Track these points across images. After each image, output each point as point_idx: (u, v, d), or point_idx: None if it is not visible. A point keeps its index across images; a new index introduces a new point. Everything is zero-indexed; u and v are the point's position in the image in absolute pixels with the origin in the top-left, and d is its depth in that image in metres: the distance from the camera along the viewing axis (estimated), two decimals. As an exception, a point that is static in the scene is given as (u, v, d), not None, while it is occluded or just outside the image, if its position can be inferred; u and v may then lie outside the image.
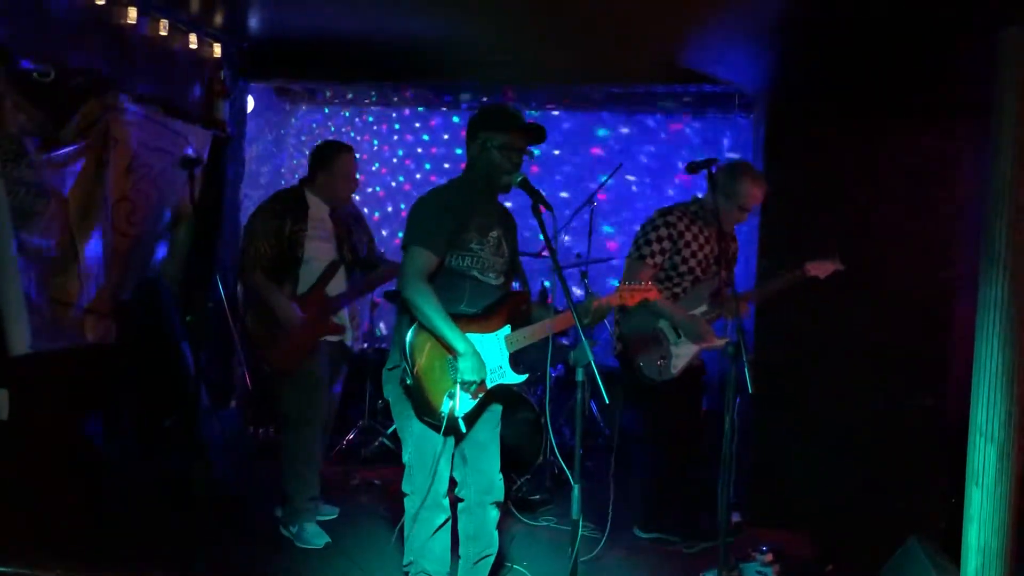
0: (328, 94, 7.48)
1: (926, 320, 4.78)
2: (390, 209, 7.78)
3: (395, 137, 7.78)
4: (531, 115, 6.97)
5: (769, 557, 3.98)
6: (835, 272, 4.20)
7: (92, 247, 4.52)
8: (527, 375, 3.23)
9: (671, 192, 7.23)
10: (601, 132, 7.38)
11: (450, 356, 3.06)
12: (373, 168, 7.78)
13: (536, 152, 3.23)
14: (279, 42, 5.66)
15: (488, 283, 3.18)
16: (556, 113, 7.35)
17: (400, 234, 7.52)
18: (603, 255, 6.74)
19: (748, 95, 5.90)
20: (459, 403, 3.03)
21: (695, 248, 4.23)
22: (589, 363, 2.75)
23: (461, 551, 3.31)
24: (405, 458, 3.19)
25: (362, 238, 4.54)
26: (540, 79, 6.05)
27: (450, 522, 3.22)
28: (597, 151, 7.37)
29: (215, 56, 5.48)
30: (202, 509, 3.42)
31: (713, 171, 3.44)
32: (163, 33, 4.99)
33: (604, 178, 6.18)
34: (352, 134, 7.81)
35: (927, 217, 4.82)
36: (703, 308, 4.21)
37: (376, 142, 7.79)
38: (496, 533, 3.32)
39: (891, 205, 4.87)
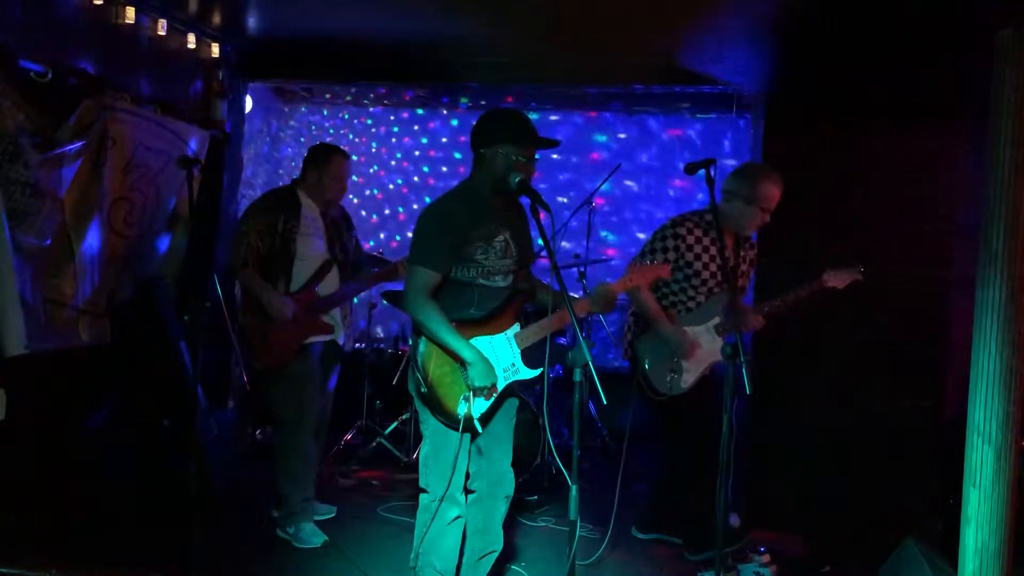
0: (327, 96, 7.47)
1: (923, 322, 4.78)
2: (388, 212, 7.77)
3: (393, 140, 7.77)
4: (530, 116, 6.96)
5: (766, 558, 3.98)
6: (854, 282, 4.12)
7: (88, 247, 4.51)
8: (541, 369, 3.26)
9: (671, 193, 7.23)
10: (602, 133, 7.38)
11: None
12: (371, 170, 7.77)
13: (536, 157, 3.24)
14: (277, 42, 5.65)
15: (495, 287, 3.22)
16: (554, 118, 7.35)
17: (398, 236, 7.55)
18: (601, 257, 6.74)
19: (747, 96, 5.91)
20: (474, 406, 3.09)
21: (707, 260, 4.16)
22: (587, 364, 2.76)
23: (467, 545, 3.34)
24: (422, 453, 3.24)
25: (350, 240, 4.55)
26: (539, 80, 6.05)
27: (462, 520, 3.25)
28: (597, 153, 7.37)
29: (213, 56, 5.47)
30: (199, 510, 3.42)
31: (711, 172, 3.42)
32: (161, 33, 4.99)
33: (603, 179, 6.19)
34: (351, 135, 7.80)
35: (924, 218, 4.82)
36: (716, 320, 4.14)
37: (375, 144, 7.79)
38: (502, 532, 3.36)
39: (888, 206, 4.87)
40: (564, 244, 7.05)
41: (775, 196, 4.14)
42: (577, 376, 2.79)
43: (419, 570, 3.22)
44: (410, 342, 3.28)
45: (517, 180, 3.05)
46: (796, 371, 4.91)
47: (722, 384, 4.15)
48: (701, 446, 4.20)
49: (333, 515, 4.59)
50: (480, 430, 3.15)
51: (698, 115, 7.17)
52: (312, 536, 4.19)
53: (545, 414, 3.52)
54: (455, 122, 7.63)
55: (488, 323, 3.20)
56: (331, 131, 7.76)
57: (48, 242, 4.25)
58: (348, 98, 7.49)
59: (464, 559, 3.34)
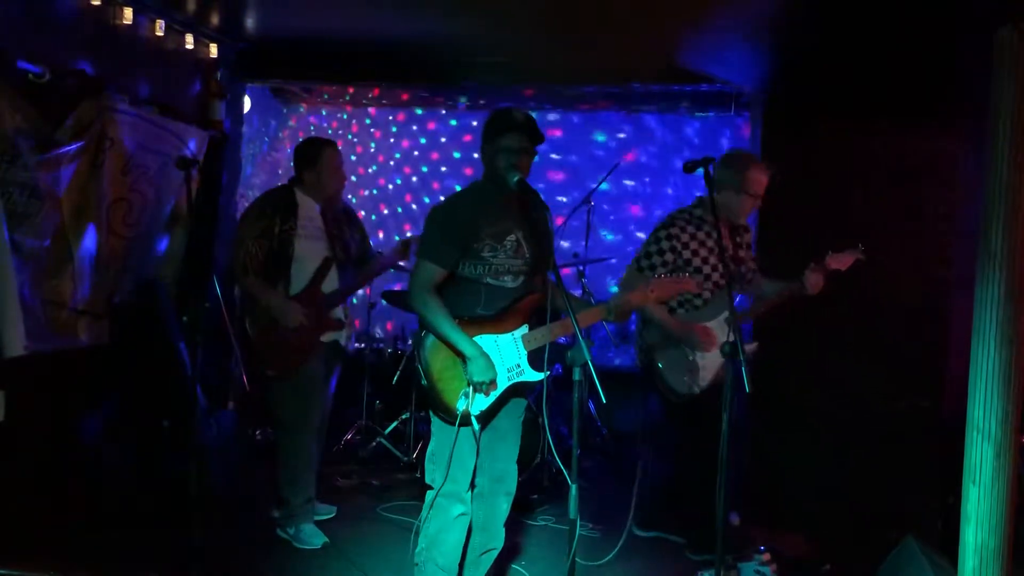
0: (326, 96, 7.47)
1: (923, 320, 4.78)
2: (386, 212, 7.77)
3: (391, 140, 7.77)
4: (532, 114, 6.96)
5: (767, 557, 3.98)
6: (857, 262, 4.13)
7: (87, 248, 4.51)
8: (547, 373, 3.25)
9: (670, 191, 7.24)
10: (600, 132, 7.38)
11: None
12: (371, 171, 7.78)
13: (534, 152, 3.24)
14: (276, 42, 5.66)
15: (504, 286, 3.21)
16: (553, 117, 7.35)
17: (396, 236, 7.56)
18: (601, 255, 6.74)
19: (746, 95, 5.91)
20: (473, 402, 3.10)
21: (705, 254, 4.17)
22: (586, 362, 2.75)
23: (468, 541, 3.35)
24: (429, 449, 3.26)
25: (355, 236, 4.51)
26: (538, 80, 6.06)
27: (467, 517, 3.26)
28: (596, 152, 7.38)
29: (211, 56, 5.48)
30: (199, 510, 3.42)
31: (710, 170, 3.43)
32: (159, 34, 4.99)
33: (602, 178, 6.19)
34: (349, 136, 7.80)
35: (923, 217, 4.83)
36: (727, 315, 4.09)
37: (373, 145, 7.79)
38: (503, 529, 3.37)
39: (888, 205, 4.87)
40: (563, 244, 7.05)
41: (763, 182, 4.16)
42: (576, 375, 2.79)
43: (422, 565, 3.22)
44: (412, 339, 3.28)
45: (516, 180, 3.06)
46: (797, 369, 4.91)
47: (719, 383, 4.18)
48: (714, 448, 4.21)
49: (333, 515, 4.59)
50: (476, 427, 3.13)
51: (697, 114, 7.18)
52: (312, 537, 4.19)
53: (545, 413, 3.51)
54: (453, 122, 7.63)
55: (495, 322, 3.19)
56: (329, 131, 7.77)
57: (47, 243, 4.25)
58: (346, 98, 7.49)
59: (466, 556, 3.35)
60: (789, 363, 4.91)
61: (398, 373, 5.86)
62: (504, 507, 3.35)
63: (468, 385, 3.09)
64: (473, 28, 5.03)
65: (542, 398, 3.17)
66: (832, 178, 4.94)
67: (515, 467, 3.36)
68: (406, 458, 5.51)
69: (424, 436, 5.04)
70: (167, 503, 4.20)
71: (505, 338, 3.21)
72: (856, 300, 4.78)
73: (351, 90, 7.20)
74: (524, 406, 3.41)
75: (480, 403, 3.13)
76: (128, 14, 4.71)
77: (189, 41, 5.23)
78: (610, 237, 7.35)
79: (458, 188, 5.32)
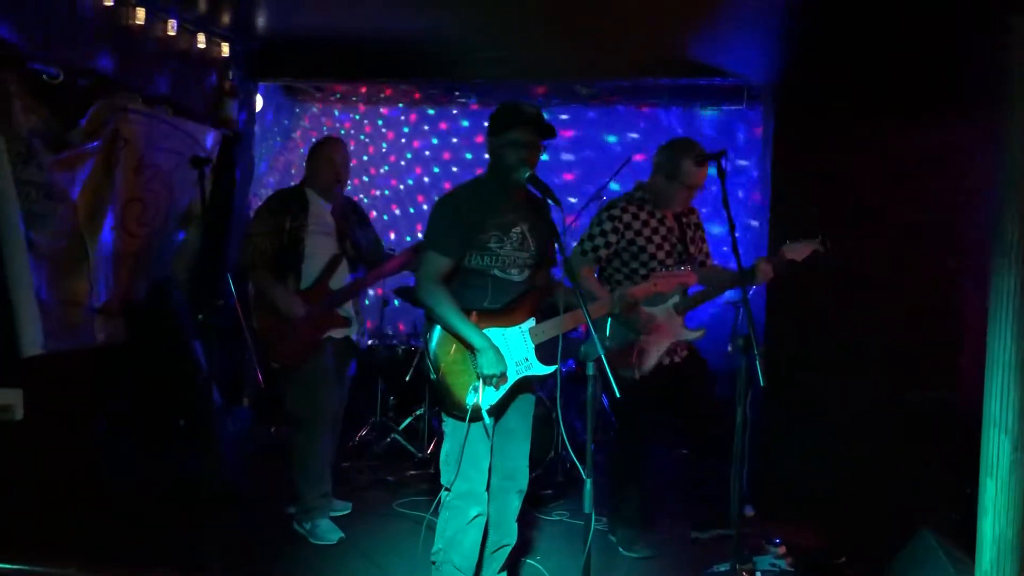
0: (338, 95, 7.47)
1: (938, 312, 4.76)
2: (398, 212, 7.77)
3: (403, 140, 7.77)
4: (543, 111, 6.95)
5: (782, 549, 3.97)
6: (814, 253, 3.97)
7: (102, 248, 4.53)
8: (555, 367, 3.24)
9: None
10: (613, 128, 7.36)
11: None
12: (383, 171, 7.78)
13: (545, 156, 3.23)
14: (288, 41, 5.67)
15: (510, 279, 3.21)
16: (564, 117, 7.33)
17: (408, 238, 7.56)
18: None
19: (757, 87, 5.89)
20: (483, 396, 3.09)
21: (648, 233, 4.08)
22: (599, 357, 2.74)
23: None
24: (443, 450, 3.24)
25: (366, 234, 4.54)
26: (550, 76, 6.05)
27: (483, 518, 3.24)
28: (608, 148, 7.35)
29: (224, 55, 5.49)
30: (215, 506, 3.44)
31: (723, 163, 3.41)
32: (171, 33, 5.01)
33: (614, 172, 6.17)
34: (362, 137, 7.81)
35: (938, 208, 4.80)
36: (675, 300, 4.05)
37: (385, 145, 7.79)
38: (516, 525, 3.36)
39: (901, 196, 4.85)
40: (573, 243, 7.02)
41: (697, 174, 4.02)
42: (590, 370, 2.78)
43: (439, 565, 3.22)
44: (423, 330, 3.27)
45: (527, 175, 3.05)
46: (811, 363, 4.89)
47: (679, 380, 4.13)
48: (646, 438, 4.23)
49: (349, 511, 4.61)
50: (487, 421, 3.13)
51: (709, 108, 7.14)
52: (328, 532, 4.21)
53: (559, 408, 3.52)
54: (465, 123, 7.62)
55: (502, 315, 3.19)
56: (342, 131, 7.77)
57: (63, 243, 4.28)
58: (355, 98, 7.50)
59: (481, 553, 3.35)
60: (803, 356, 4.90)
61: (412, 369, 5.87)
62: (516, 504, 3.34)
63: (478, 379, 3.08)
64: (484, 24, 5.03)
65: (555, 393, 3.17)
66: (843, 170, 4.92)
67: (527, 464, 3.34)
68: (420, 454, 5.53)
69: (438, 432, 5.06)
70: (183, 500, 4.23)
71: (513, 331, 3.20)
72: (870, 291, 4.76)
73: (363, 89, 7.20)
74: (533, 402, 3.39)
75: (489, 397, 3.12)
76: (141, 14, 4.73)
77: (201, 40, 5.25)
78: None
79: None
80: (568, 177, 7.32)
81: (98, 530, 4.08)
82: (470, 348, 3.09)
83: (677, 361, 4.17)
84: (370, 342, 6.23)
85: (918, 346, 4.76)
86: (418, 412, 5.75)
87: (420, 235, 6.83)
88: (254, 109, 6.13)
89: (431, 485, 4.31)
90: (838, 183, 4.93)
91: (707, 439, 4.24)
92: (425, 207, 7.66)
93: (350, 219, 4.47)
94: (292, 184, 4.73)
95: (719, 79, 5.59)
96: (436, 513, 3.26)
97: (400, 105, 7.68)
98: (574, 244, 4.21)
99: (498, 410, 3.19)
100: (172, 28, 4.99)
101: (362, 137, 7.80)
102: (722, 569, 3.86)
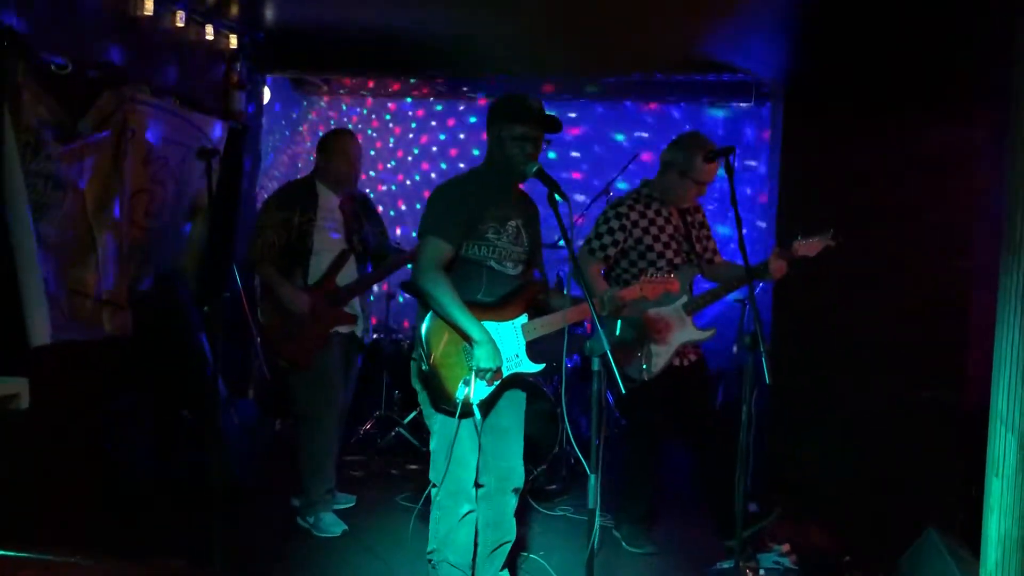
0: (345, 88, 7.47)
1: (945, 310, 4.74)
2: (404, 208, 7.77)
3: (410, 135, 7.77)
4: (551, 107, 6.93)
5: (786, 548, 3.97)
6: (826, 249, 3.89)
7: (109, 239, 4.54)
8: (544, 364, 3.22)
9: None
10: (622, 124, 7.34)
11: (465, 344, 3.07)
12: (390, 166, 7.78)
13: (552, 154, 3.22)
14: (296, 33, 5.66)
15: (505, 272, 3.19)
16: (572, 115, 7.31)
17: (414, 233, 7.53)
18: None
19: (767, 84, 5.87)
20: (474, 390, 3.04)
21: (656, 231, 4.06)
22: (605, 353, 2.73)
23: (479, 538, 3.32)
24: (431, 447, 3.21)
25: (374, 229, 4.53)
26: (559, 72, 6.03)
27: (475, 515, 3.22)
28: (617, 144, 7.33)
29: (231, 47, 5.49)
30: (220, 499, 3.45)
31: (731, 160, 3.40)
32: (180, 25, 5.00)
33: (622, 168, 6.17)
34: (370, 131, 7.81)
35: (946, 206, 4.78)
36: (683, 299, 4.01)
37: (392, 140, 7.79)
38: (514, 521, 3.34)
39: (910, 194, 4.83)
40: (578, 243, 7.01)
41: (707, 170, 4.01)
42: (595, 365, 2.77)
43: (436, 565, 3.20)
44: (416, 320, 3.24)
45: (534, 169, 3.04)
46: (817, 361, 4.88)
47: (740, 375, 4.12)
48: (657, 438, 4.21)
49: (352, 504, 4.62)
50: (478, 416, 3.07)
51: (718, 104, 7.13)
52: (332, 525, 4.21)
53: (564, 403, 3.51)
54: (473, 119, 7.61)
55: (495, 309, 3.15)
56: (350, 125, 7.77)
57: (71, 234, 4.28)
58: (363, 92, 7.49)
59: (478, 552, 3.33)
60: (810, 355, 4.89)
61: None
62: (513, 502, 3.31)
63: (471, 372, 3.03)
64: (493, 20, 5.01)
65: (560, 389, 3.16)
66: (852, 167, 4.90)
67: (521, 463, 3.30)
68: (424, 448, 5.52)
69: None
70: (188, 492, 4.24)
71: (505, 326, 3.16)
72: (877, 290, 4.74)
73: (371, 83, 7.19)
74: (524, 399, 3.34)
75: (480, 392, 3.06)
76: (149, 5, 4.72)
77: (209, 32, 5.24)
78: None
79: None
80: (576, 175, 7.31)
81: (102, 520, 4.09)
82: (467, 339, 3.04)
83: (686, 364, 4.14)
84: (375, 336, 6.25)
85: (925, 345, 4.75)
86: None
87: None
88: (262, 101, 6.13)
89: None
90: (846, 182, 4.91)
91: (708, 444, 4.22)
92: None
93: (359, 214, 4.46)
94: (299, 176, 4.72)
95: (728, 75, 5.58)
96: (426, 505, 3.23)
97: (408, 100, 7.68)
98: (579, 243, 4.19)
99: (487, 405, 3.13)
100: (180, 19, 4.99)
101: (369, 132, 7.80)
102: (726, 566, 3.85)
